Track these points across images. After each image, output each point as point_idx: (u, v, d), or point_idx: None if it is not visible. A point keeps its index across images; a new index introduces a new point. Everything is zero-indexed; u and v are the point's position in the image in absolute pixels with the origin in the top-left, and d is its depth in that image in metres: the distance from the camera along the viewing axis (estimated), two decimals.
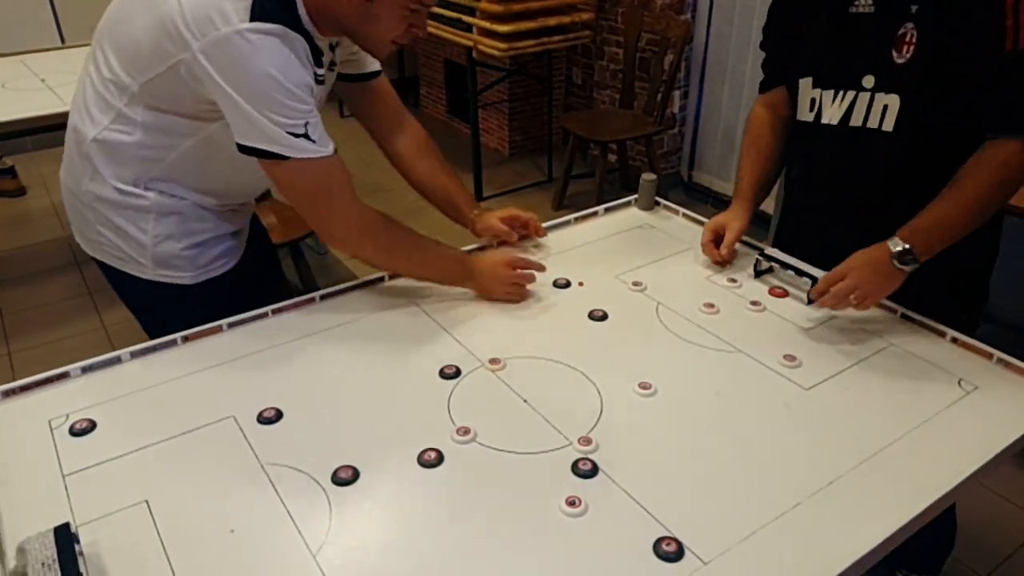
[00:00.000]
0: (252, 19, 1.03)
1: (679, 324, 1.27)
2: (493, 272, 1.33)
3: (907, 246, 1.17)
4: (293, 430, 1.02)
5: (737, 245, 1.51)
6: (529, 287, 1.34)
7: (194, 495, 0.91)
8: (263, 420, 1.03)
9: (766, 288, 1.38)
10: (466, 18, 3.17)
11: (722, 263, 1.45)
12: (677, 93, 3.57)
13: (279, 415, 1.04)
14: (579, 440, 1.00)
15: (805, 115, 1.37)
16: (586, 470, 0.95)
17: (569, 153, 3.41)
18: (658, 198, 1.69)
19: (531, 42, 3.11)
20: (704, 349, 1.21)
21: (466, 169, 3.82)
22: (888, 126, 1.24)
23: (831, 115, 1.31)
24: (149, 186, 1.25)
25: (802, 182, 1.45)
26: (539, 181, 3.89)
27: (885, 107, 1.23)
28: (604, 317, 1.29)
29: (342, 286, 1.34)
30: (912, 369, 1.17)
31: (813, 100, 1.34)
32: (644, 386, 1.10)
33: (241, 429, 1.02)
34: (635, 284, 1.38)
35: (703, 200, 3.68)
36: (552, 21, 3.14)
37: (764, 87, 1.50)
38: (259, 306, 1.27)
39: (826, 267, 1.27)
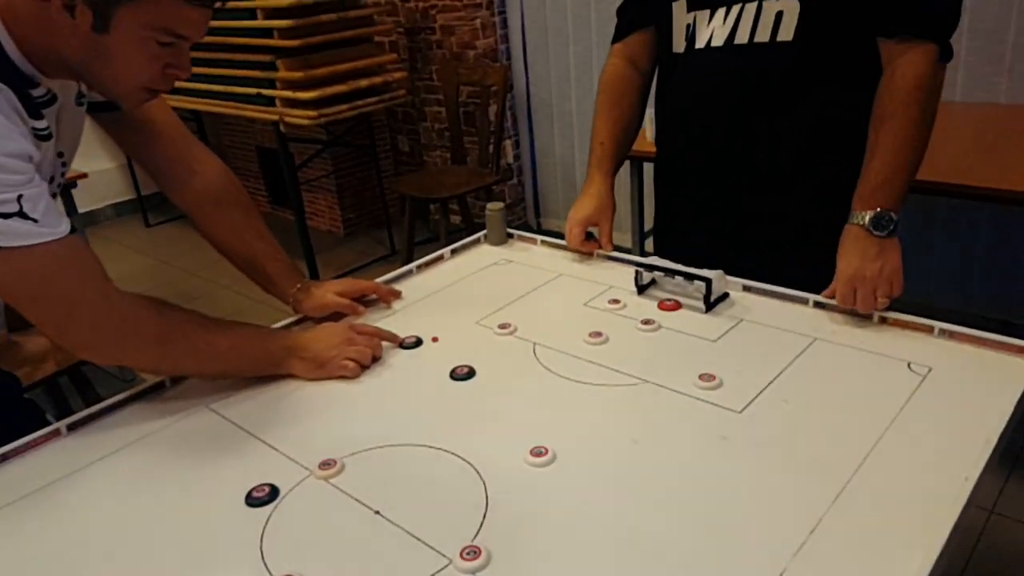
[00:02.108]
0: None
1: (564, 363, 0.99)
2: (326, 340, 1.01)
3: (876, 210, 1.02)
4: None
5: (609, 264, 1.28)
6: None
7: None
8: None
9: (654, 303, 1.13)
10: (266, 91, 2.87)
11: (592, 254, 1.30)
12: (509, 142, 3.43)
13: None
14: (462, 553, 0.67)
15: (679, 46, 1.19)
16: None
17: (408, 219, 3.13)
18: (511, 229, 1.44)
19: (344, 107, 2.85)
20: (602, 388, 0.93)
21: (297, 257, 3.45)
22: (786, 35, 1.08)
23: (713, 35, 1.14)
24: None
25: (679, 127, 1.26)
26: (382, 256, 3.59)
27: (779, 14, 1.08)
28: (471, 374, 0.98)
29: (96, 408, 0.95)
30: (850, 361, 0.95)
31: (688, 26, 1.17)
32: (538, 453, 0.80)
33: None
34: (502, 327, 1.09)
35: None
36: (363, 83, 2.90)
37: (620, 33, 1.31)
38: None
39: (729, 233, 1.17)
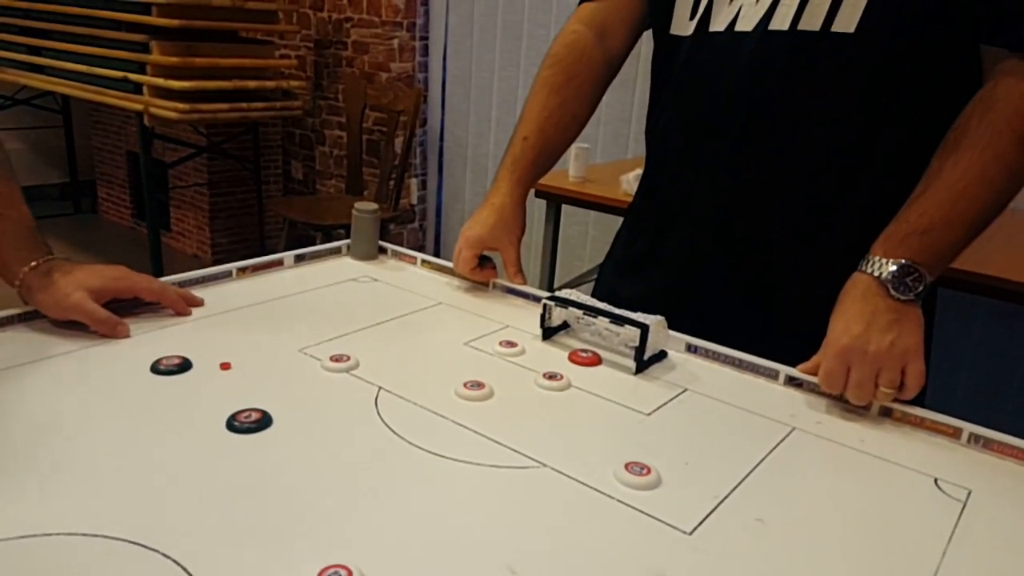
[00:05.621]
0: None
1: (419, 423, 0.62)
2: None
3: (904, 261, 0.69)
4: None
5: (510, 297, 0.95)
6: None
7: None
8: None
9: (565, 353, 0.79)
10: (134, 76, 2.44)
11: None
12: (414, 182, 3.09)
13: None
14: None
15: (683, 26, 0.86)
16: None
17: (283, 246, 2.71)
18: (387, 244, 1.08)
19: (224, 106, 2.45)
20: (473, 469, 0.57)
21: None
22: (846, 24, 0.76)
23: (739, 15, 0.81)
24: None
25: (674, 142, 0.90)
26: None
27: None
28: (262, 424, 0.60)
29: None
30: (847, 467, 0.63)
31: (697, 1, 0.85)
32: None
33: None
34: (336, 359, 0.71)
35: None
36: (251, 84, 2.52)
37: None
38: None
39: (728, 307, 0.81)
